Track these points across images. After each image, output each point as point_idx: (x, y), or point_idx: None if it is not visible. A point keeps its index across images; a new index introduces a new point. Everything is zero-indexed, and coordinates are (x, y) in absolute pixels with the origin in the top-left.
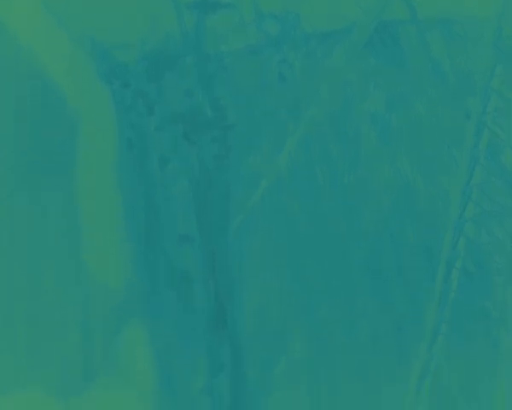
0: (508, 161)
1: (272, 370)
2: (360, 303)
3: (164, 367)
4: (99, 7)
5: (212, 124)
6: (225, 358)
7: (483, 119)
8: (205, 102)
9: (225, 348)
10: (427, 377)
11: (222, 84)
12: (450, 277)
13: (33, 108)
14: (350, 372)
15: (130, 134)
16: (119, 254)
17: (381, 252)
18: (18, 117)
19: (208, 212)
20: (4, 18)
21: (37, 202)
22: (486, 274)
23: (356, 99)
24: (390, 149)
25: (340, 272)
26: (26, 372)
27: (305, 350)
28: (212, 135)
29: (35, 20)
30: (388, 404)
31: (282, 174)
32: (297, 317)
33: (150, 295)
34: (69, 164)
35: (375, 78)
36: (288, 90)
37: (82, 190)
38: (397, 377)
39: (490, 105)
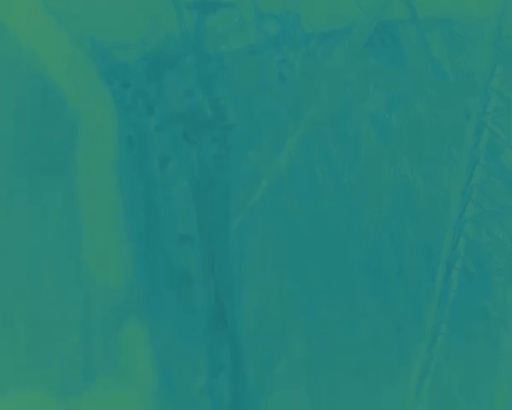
0: (508, 161)
1: (272, 370)
2: (360, 303)
3: (164, 367)
4: (99, 7)
5: (212, 124)
6: (225, 358)
7: (483, 119)
8: (205, 102)
9: (225, 348)
10: (427, 377)
11: (222, 84)
12: (450, 277)
13: (33, 108)
14: (350, 372)
15: (130, 134)
16: (119, 254)
17: (381, 252)
18: (18, 117)
19: (208, 212)
20: (4, 18)
21: (37, 202)
22: (486, 274)
23: (356, 99)
24: (390, 149)
25: (340, 272)
26: (26, 372)
27: (305, 350)
28: (212, 135)
29: (35, 20)
30: (388, 404)
31: (282, 174)
32: (297, 317)
33: (150, 295)
34: (69, 164)
35: (375, 78)
36: (288, 90)
37: (82, 190)
38: (397, 377)
39: (490, 105)
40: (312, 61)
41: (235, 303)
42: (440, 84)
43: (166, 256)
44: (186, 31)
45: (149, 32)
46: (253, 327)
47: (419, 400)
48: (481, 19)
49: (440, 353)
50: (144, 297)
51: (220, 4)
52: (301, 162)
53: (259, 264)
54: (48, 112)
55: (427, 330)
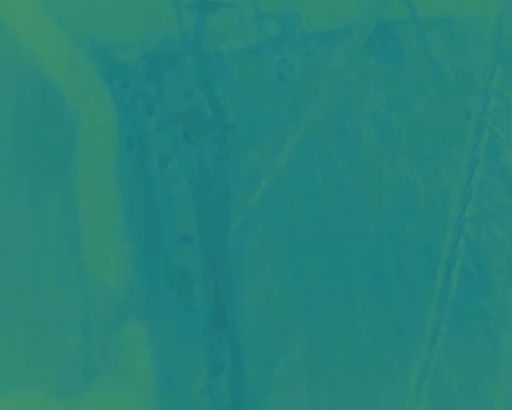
0: (508, 161)
1: (272, 370)
2: (360, 303)
3: (164, 367)
4: (99, 7)
5: (212, 124)
6: (225, 358)
7: (483, 119)
8: (205, 102)
9: (225, 348)
10: (427, 377)
11: (222, 84)
12: (450, 277)
13: (33, 108)
14: (350, 372)
15: (130, 134)
16: (119, 254)
17: (381, 252)
18: (18, 117)
19: (208, 212)
20: (4, 18)
21: (37, 202)
22: (486, 274)
23: (356, 99)
24: (390, 149)
25: (340, 272)
26: (26, 372)
27: (305, 350)
28: (211, 135)
29: (35, 20)
30: (388, 404)
31: (282, 174)
32: (297, 317)
33: (150, 295)
34: (69, 164)
35: (375, 78)
36: (288, 90)
37: (82, 190)
38: (397, 377)
39: (490, 105)
40: (312, 61)
41: (235, 303)
42: (440, 84)
43: (166, 256)
44: (186, 31)
45: (149, 32)
46: (253, 327)
47: (419, 400)
48: (481, 19)
49: (440, 353)
50: (144, 297)
51: (220, 4)
52: (301, 162)
53: (259, 264)
54: (48, 112)
55: (427, 330)
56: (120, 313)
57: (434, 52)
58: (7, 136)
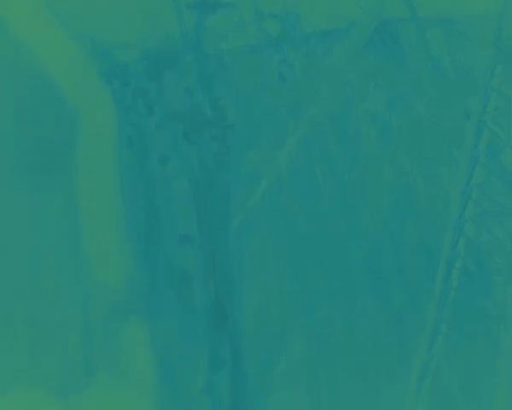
0: (508, 161)
1: (272, 370)
2: (360, 303)
3: (164, 367)
4: (99, 7)
5: (212, 123)
6: (225, 357)
7: (483, 118)
8: (205, 101)
9: (225, 347)
10: (427, 377)
11: (222, 83)
12: (450, 277)
13: (33, 108)
14: (350, 372)
15: (130, 134)
16: (119, 254)
17: (381, 252)
18: (18, 117)
19: (208, 212)
20: (5, 18)
21: (37, 202)
22: (486, 274)
23: (356, 99)
24: (390, 149)
25: (340, 272)
26: (26, 372)
27: (305, 350)
28: (211, 134)
29: (36, 20)
30: (388, 404)
31: (282, 174)
32: (297, 317)
33: (150, 294)
34: (69, 164)
35: (375, 77)
36: (287, 90)
37: (82, 190)
38: (397, 377)
39: (490, 104)
40: (312, 60)
41: (235, 303)
42: (440, 84)
43: (166, 256)
44: (186, 31)
45: (149, 32)
46: (253, 327)
47: (419, 400)
48: (481, 18)
49: (440, 353)
50: (144, 297)
51: (220, 4)
52: (301, 162)
53: (259, 264)
54: (48, 112)
55: (427, 330)
56: (120, 312)
57: (434, 51)
58: (7, 136)
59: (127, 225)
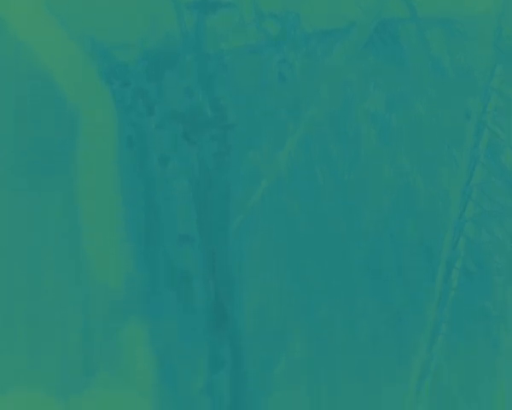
0: (508, 161)
1: (272, 370)
2: (360, 303)
3: (164, 367)
4: (99, 7)
5: (212, 123)
6: (225, 358)
7: (483, 118)
8: (205, 101)
9: (225, 347)
10: (427, 377)
11: (222, 83)
12: (450, 277)
13: (33, 108)
14: (350, 372)
15: (130, 134)
16: (119, 254)
17: (381, 252)
18: (18, 117)
19: (208, 212)
20: (5, 18)
21: (37, 202)
22: (486, 274)
23: (356, 99)
24: (390, 149)
25: (340, 272)
26: (26, 372)
27: (305, 350)
28: (211, 134)
29: (36, 20)
30: (388, 404)
31: (282, 174)
32: (297, 317)
33: (150, 294)
34: (69, 164)
35: (375, 77)
36: (287, 90)
37: (82, 190)
38: (397, 377)
39: (490, 104)
40: (312, 60)
41: (235, 303)
42: (440, 84)
43: (166, 256)
44: (186, 31)
45: (149, 32)
46: (253, 327)
47: (419, 400)
48: (481, 19)
49: (440, 353)
50: (144, 297)
51: (220, 4)
52: (301, 162)
53: (259, 264)
54: (48, 112)
55: (427, 330)
56: (120, 312)
57: (434, 51)
58: (7, 136)
59: (127, 225)
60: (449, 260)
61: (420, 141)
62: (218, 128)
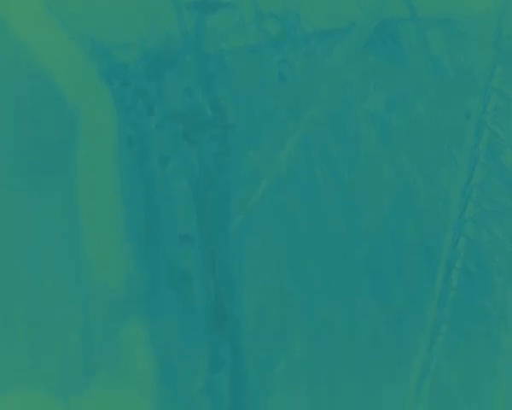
0: (508, 161)
1: (272, 370)
2: (360, 303)
3: (164, 367)
4: (99, 7)
5: (212, 123)
6: (225, 358)
7: (483, 118)
8: (205, 101)
9: (225, 347)
10: (427, 377)
11: (222, 83)
12: (450, 277)
13: (33, 108)
14: (350, 372)
15: (130, 134)
16: (119, 254)
17: (381, 252)
18: (18, 117)
19: (208, 212)
20: (5, 18)
21: (37, 202)
22: (486, 274)
23: (356, 99)
24: (390, 149)
25: (340, 272)
26: (26, 372)
27: (305, 350)
28: (211, 134)
29: (36, 20)
30: (388, 404)
31: (282, 174)
32: (297, 317)
33: (150, 294)
34: (69, 164)
35: (375, 77)
36: (288, 90)
37: (82, 190)
38: (397, 377)
39: (490, 104)
40: (312, 60)
41: (235, 303)
42: (440, 84)
43: (166, 256)
44: (186, 31)
45: (149, 32)
46: (253, 327)
47: (419, 400)
48: (481, 19)
49: (440, 353)
50: (144, 297)
51: (220, 4)
52: (301, 162)
53: (259, 264)
54: (48, 112)
55: (427, 330)
56: (120, 312)
57: (434, 51)
58: (7, 136)
59: (127, 225)
60: (449, 260)
61: (420, 141)
62: (218, 128)
